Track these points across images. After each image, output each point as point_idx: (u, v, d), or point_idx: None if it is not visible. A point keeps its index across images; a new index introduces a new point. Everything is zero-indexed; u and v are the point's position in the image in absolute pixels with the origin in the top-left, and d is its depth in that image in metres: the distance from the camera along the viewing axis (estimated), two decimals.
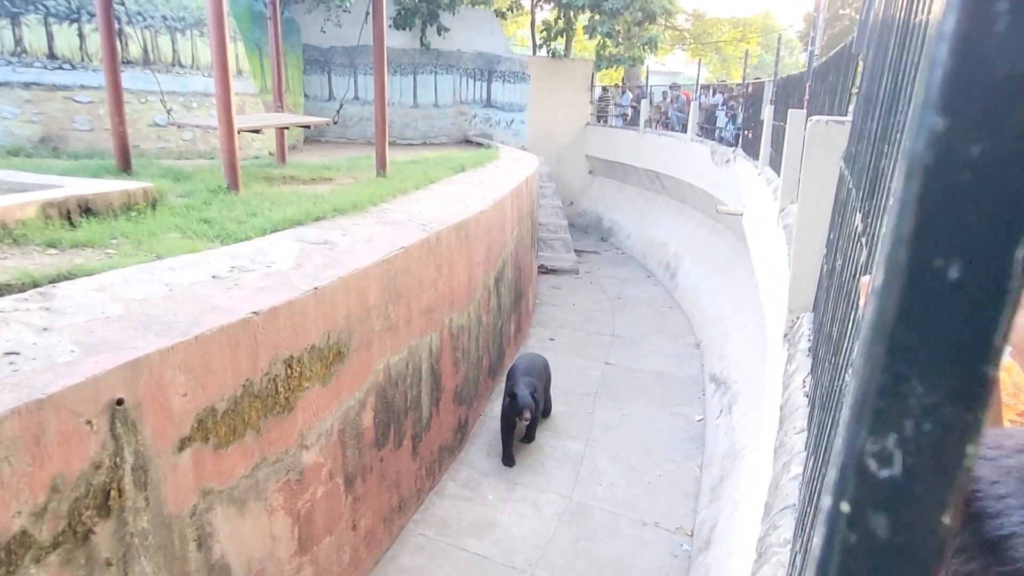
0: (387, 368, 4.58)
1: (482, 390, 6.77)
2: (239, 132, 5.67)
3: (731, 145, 9.20)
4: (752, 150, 7.10)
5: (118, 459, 2.60)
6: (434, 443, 5.50)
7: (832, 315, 1.45)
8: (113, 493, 2.60)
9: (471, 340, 6.31)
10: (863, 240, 0.93)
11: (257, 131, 7.02)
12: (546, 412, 6.71)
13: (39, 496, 2.32)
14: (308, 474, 3.76)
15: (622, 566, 4.73)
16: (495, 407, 6.97)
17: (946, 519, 0.22)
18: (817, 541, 0.24)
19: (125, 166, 6.21)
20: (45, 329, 2.75)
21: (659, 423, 6.71)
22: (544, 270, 11.68)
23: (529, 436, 6.33)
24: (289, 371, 3.52)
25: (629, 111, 15.39)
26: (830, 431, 0.89)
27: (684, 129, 11.83)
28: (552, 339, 8.91)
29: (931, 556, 0.22)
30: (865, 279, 0.76)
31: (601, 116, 16.29)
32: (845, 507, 0.23)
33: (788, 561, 1.23)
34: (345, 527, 4.22)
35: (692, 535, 5.02)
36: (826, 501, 0.24)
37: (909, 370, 0.21)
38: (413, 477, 5.14)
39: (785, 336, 2.69)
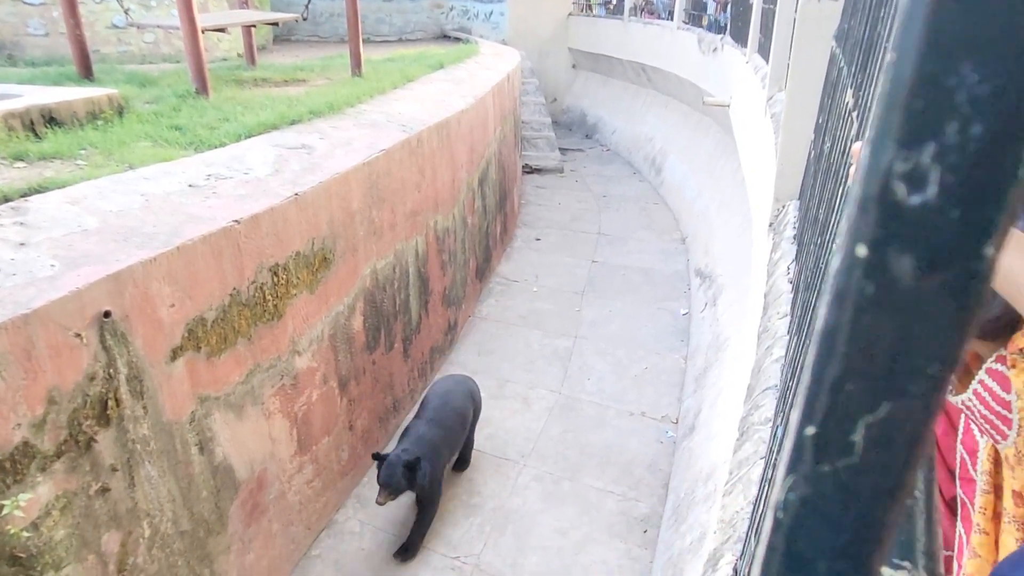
0: (374, 273, 4.58)
1: (470, 292, 6.82)
2: (203, 31, 5.37)
3: (720, 32, 8.87)
4: (741, 37, 6.86)
5: (112, 370, 2.63)
6: (424, 345, 5.60)
7: (819, 198, 1.44)
8: (111, 403, 2.64)
9: (457, 242, 6.29)
10: (854, 114, 0.90)
11: (222, 30, 6.66)
12: (462, 463, 4.73)
13: (37, 408, 2.36)
14: (302, 379, 3.83)
15: (610, 454, 4.94)
16: (484, 308, 7.05)
17: (989, 250, 0.17)
18: (823, 307, 0.20)
19: (86, 72, 5.91)
20: (22, 244, 2.70)
21: (645, 318, 6.83)
22: (528, 170, 11.51)
23: (408, 546, 4.07)
24: (275, 279, 3.51)
25: None
26: (814, 310, 0.90)
27: (671, 17, 11.36)
28: (538, 239, 8.91)
29: (967, 301, 0.18)
30: (856, 146, 0.75)
31: (579, 3, 15.55)
32: (861, 251, 0.18)
33: (769, 436, 1.29)
34: (342, 427, 4.35)
35: (677, 423, 5.23)
36: (836, 258, 0.19)
37: (960, 49, 0.15)
38: (406, 378, 5.26)
39: (770, 225, 2.69)
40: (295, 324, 3.71)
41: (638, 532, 4.24)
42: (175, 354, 2.92)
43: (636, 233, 9.11)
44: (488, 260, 7.53)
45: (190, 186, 3.48)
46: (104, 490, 2.66)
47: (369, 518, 4.38)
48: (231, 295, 3.20)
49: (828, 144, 1.44)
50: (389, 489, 3.81)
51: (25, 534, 2.36)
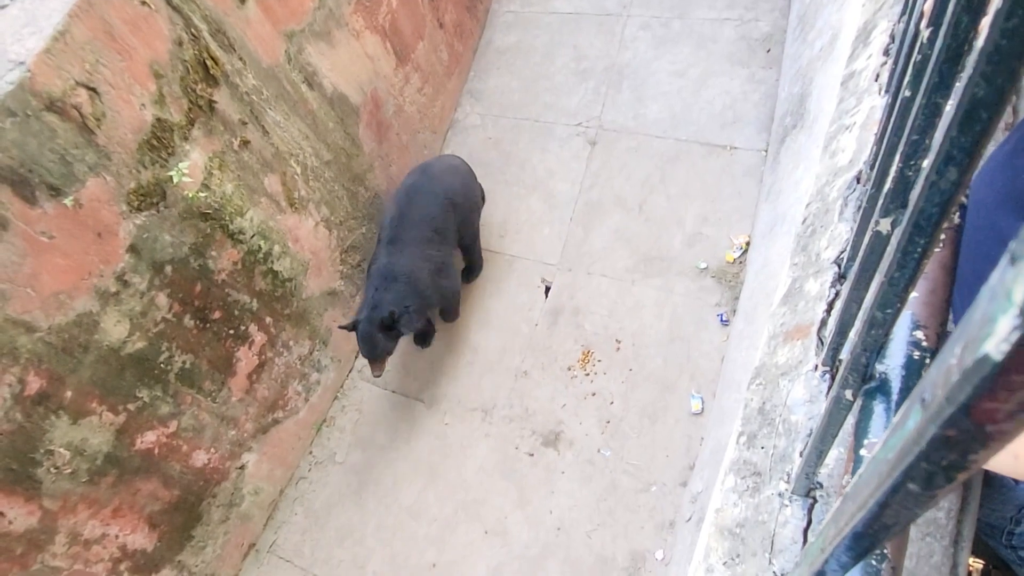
0: None
1: None
2: None
3: None
4: None
5: (192, 30, 2.57)
6: None
7: None
8: (209, 63, 2.65)
9: None
10: None
11: None
12: (472, 271, 3.85)
13: (149, 85, 2.42)
14: None
15: None
16: None
17: None
18: None
19: None
20: None
21: None
22: None
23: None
24: None
25: None
26: None
27: None
28: None
29: None
30: None
31: None
32: None
33: None
34: (432, 28, 4.18)
35: None
36: None
37: None
38: None
39: None
40: None
41: (761, 53, 4.04)
42: None
43: None
44: None
45: None
46: (245, 143, 2.86)
47: (485, 110, 4.49)
48: None
49: None
50: (377, 359, 3.13)
51: (202, 195, 2.67)
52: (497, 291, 3.78)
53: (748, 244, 3.44)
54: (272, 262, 3.08)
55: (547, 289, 3.71)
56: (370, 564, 3.23)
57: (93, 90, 2.23)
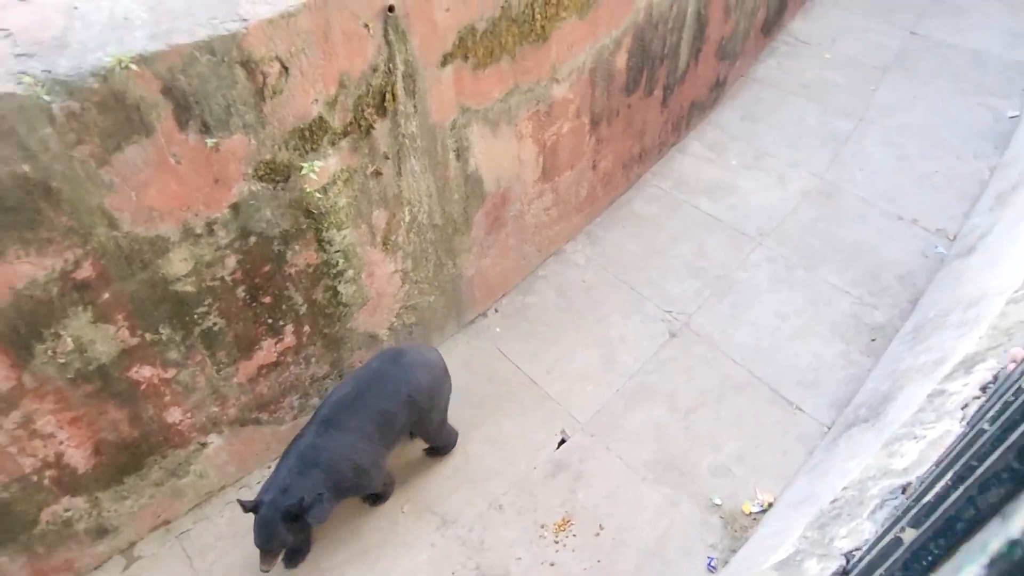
0: (649, 7, 4.20)
1: (750, 47, 6.07)
2: None
3: None
4: None
5: (391, 65, 2.82)
6: (686, 97, 5.24)
7: None
8: (388, 96, 2.88)
9: None
10: None
11: None
12: (440, 449, 3.53)
13: (330, 88, 2.65)
14: (556, 108, 3.84)
15: (860, 254, 4.52)
16: (761, 68, 6.31)
17: None
18: None
19: None
20: None
21: (957, 112, 5.67)
22: None
23: (292, 558, 3.14)
24: None
25: None
26: None
27: None
28: None
29: None
30: None
31: None
32: None
33: None
34: (586, 165, 4.41)
35: (954, 239, 4.54)
36: None
37: None
38: (658, 129, 5.07)
39: None
40: (559, 50, 3.63)
41: (864, 338, 3.99)
42: (445, 60, 3.04)
43: (983, 3, 7.20)
44: (781, 12, 6.53)
45: None
46: (377, 173, 3.04)
47: (594, 255, 4.61)
48: (503, 8, 3.16)
49: None
50: (269, 552, 2.75)
51: (317, 195, 2.82)
52: (518, 418, 3.71)
53: (771, 505, 3.26)
54: (340, 282, 3.17)
55: (562, 441, 3.61)
56: None
57: (286, 69, 2.45)
